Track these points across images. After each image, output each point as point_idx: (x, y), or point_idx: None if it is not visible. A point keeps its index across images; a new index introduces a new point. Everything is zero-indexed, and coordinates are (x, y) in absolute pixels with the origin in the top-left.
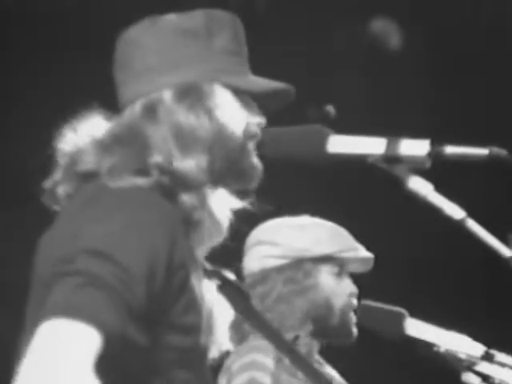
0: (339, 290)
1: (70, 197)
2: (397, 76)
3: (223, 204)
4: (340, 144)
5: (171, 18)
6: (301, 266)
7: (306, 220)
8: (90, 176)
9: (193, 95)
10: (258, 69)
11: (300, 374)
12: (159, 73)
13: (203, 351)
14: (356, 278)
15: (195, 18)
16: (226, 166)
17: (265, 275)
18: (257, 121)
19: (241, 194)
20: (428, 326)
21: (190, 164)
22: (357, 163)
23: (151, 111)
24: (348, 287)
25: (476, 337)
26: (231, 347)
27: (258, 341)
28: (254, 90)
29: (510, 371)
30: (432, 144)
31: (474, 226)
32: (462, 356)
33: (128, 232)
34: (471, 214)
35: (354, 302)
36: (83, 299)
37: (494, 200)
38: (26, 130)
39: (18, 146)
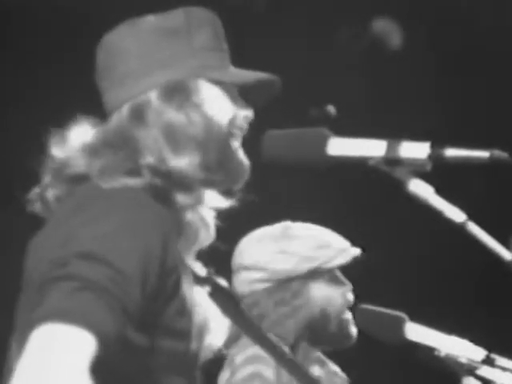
0: (334, 296)
1: (59, 200)
2: (397, 76)
3: (210, 205)
4: (340, 146)
5: (150, 19)
6: (288, 287)
7: (287, 233)
8: (80, 179)
9: (179, 93)
10: (257, 69)
11: None
12: (143, 75)
13: (194, 357)
14: (355, 282)
15: (174, 17)
16: (218, 160)
17: (255, 299)
18: (244, 113)
19: (227, 193)
20: (428, 330)
21: (183, 163)
22: (357, 166)
23: (139, 114)
24: (342, 288)
25: (477, 341)
26: (224, 349)
27: None
28: (238, 81)
29: (511, 375)
30: (432, 146)
31: (474, 228)
32: (463, 360)
33: (121, 234)
34: (472, 216)
35: (351, 298)
36: (77, 303)
37: (494, 203)
38: (25, 130)
39: (18, 145)
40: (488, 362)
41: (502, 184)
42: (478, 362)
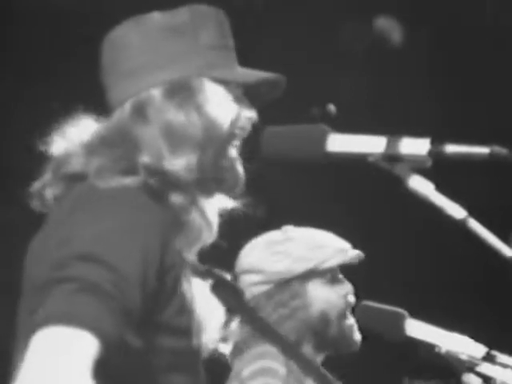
0: (334, 297)
1: (57, 199)
2: (398, 74)
3: (214, 203)
4: (340, 143)
5: (155, 16)
6: (287, 288)
7: (284, 236)
8: (77, 178)
9: (182, 92)
10: (257, 68)
11: (307, 381)
12: (147, 72)
13: (196, 353)
14: (355, 279)
15: (179, 15)
16: (213, 165)
17: (256, 302)
18: (247, 114)
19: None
20: (429, 327)
21: (179, 163)
22: (357, 162)
23: (141, 111)
24: (343, 289)
25: (477, 338)
26: (219, 347)
27: (263, 347)
28: (242, 80)
29: (511, 372)
30: (433, 143)
31: (475, 225)
32: (464, 357)
33: (119, 234)
34: (472, 213)
35: (352, 300)
36: (78, 306)
37: (495, 199)
38: (25, 130)
39: (18, 145)
40: (489, 358)
41: (502, 180)
42: (478, 359)
